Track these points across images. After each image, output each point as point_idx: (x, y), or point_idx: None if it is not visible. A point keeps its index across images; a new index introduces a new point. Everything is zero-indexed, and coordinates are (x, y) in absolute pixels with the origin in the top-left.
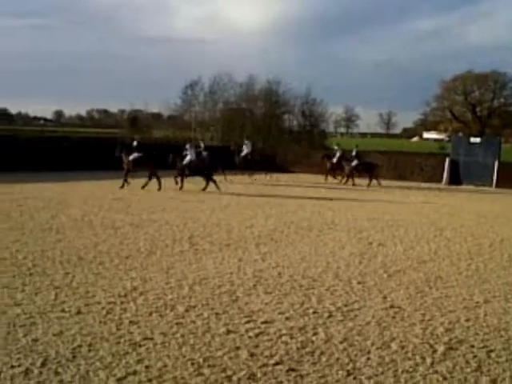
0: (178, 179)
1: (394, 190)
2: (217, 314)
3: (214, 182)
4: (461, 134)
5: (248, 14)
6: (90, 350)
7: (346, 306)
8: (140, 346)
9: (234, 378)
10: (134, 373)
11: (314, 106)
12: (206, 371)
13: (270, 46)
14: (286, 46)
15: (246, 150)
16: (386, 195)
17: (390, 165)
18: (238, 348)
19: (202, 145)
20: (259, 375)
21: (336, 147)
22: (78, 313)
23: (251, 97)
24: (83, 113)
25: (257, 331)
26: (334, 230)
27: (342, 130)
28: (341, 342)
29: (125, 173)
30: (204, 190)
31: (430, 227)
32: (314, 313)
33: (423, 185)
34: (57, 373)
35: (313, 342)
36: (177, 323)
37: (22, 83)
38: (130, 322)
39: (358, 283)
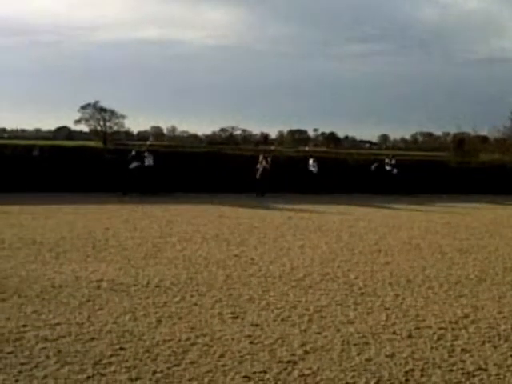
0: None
1: None
2: None
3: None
4: None
5: None
6: (422, 375)
7: None
8: (473, 376)
9: None
10: None
11: None
12: None
13: None
14: None
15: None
16: None
17: None
18: None
19: None
20: None
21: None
22: (409, 336)
23: None
24: (408, 136)
25: None
26: None
27: None
28: None
29: None
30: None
31: None
32: None
33: None
34: None
35: None
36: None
37: (348, 109)
38: (462, 349)
39: None
